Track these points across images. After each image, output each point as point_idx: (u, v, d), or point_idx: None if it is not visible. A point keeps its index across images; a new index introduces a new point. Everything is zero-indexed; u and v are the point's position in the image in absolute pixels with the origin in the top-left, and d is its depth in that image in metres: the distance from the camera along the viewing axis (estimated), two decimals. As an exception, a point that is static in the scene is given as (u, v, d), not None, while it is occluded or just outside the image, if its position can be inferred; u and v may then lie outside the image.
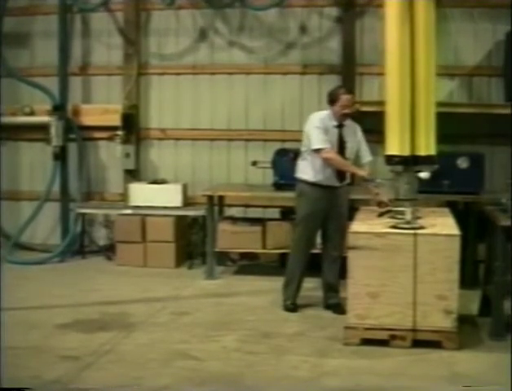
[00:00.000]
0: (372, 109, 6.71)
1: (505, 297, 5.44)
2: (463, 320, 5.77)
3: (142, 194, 8.13)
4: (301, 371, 4.80)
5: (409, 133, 5.48)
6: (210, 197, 7.52)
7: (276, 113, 8.28)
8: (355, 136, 6.25)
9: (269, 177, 7.68)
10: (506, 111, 7.04)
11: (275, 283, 6.62)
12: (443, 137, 7.59)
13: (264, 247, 7.58)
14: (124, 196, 8.44)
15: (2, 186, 8.64)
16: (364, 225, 5.58)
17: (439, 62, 7.72)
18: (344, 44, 8.05)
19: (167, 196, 8.07)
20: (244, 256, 8.24)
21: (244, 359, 5.02)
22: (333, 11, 8.12)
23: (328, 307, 6.26)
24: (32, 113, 8.56)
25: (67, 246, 8.38)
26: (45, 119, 8.39)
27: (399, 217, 5.54)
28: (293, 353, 5.16)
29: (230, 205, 8.23)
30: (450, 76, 7.78)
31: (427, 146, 5.52)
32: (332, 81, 8.02)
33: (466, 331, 5.53)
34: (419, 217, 5.57)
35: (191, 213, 8.19)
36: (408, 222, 5.43)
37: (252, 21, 8.27)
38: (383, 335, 5.23)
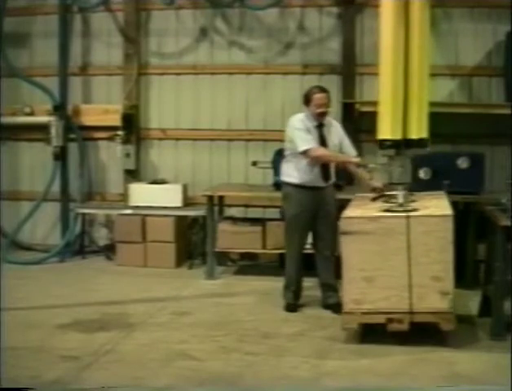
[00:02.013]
0: (372, 109, 6.70)
1: (505, 297, 5.43)
2: (463, 320, 5.79)
3: (142, 194, 8.13)
4: (301, 372, 4.80)
5: (401, 116, 5.50)
6: (210, 197, 7.52)
7: (276, 113, 8.27)
8: (337, 134, 6.29)
9: (269, 177, 7.68)
10: (506, 111, 7.04)
11: (275, 283, 6.62)
12: (443, 137, 7.62)
13: (264, 247, 7.58)
14: (124, 196, 8.44)
15: (2, 186, 8.64)
16: (357, 210, 5.59)
17: (440, 62, 7.77)
18: (344, 44, 8.05)
19: (167, 196, 8.07)
20: (244, 256, 8.24)
21: (244, 359, 5.02)
22: (333, 11, 8.11)
23: (326, 307, 6.26)
24: (32, 113, 8.56)
25: (65, 246, 8.38)
26: (45, 119, 8.39)
27: (393, 200, 5.56)
28: (293, 354, 5.16)
29: (230, 205, 8.22)
30: (450, 76, 7.78)
31: (419, 129, 5.54)
32: (332, 81, 8.03)
33: (466, 331, 5.53)
34: (413, 201, 5.57)
35: (191, 213, 8.19)
36: (400, 205, 5.43)
37: (252, 21, 8.27)
38: (380, 318, 5.21)
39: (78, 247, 8.54)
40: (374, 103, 6.90)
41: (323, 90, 6.21)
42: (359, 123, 7.81)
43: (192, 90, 8.48)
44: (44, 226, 8.80)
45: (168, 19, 8.45)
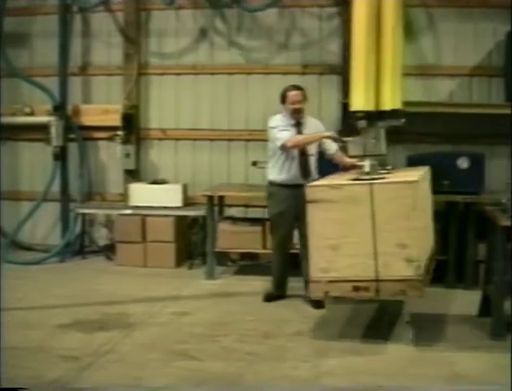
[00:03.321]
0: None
1: (505, 297, 5.43)
2: (463, 320, 5.79)
3: (142, 194, 8.12)
4: (300, 371, 4.80)
5: (374, 87, 5.49)
6: (210, 197, 7.52)
7: (276, 113, 8.23)
8: (315, 130, 6.39)
9: (269, 177, 7.68)
10: (506, 111, 7.04)
11: (275, 283, 6.63)
12: (443, 137, 7.61)
13: (264, 247, 7.57)
14: (124, 196, 8.44)
15: (2, 186, 8.64)
16: (324, 180, 5.64)
17: (439, 62, 7.77)
18: (344, 44, 8.03)
19: (167, 196, 8.07)
20: (244, 256, 8.24)
21: (244, 359, 5.02)
22: (333, 11, 8.11)
23: (307, 301, 6.35)
24: (32, 113, 8.55)
25: (65, 246, 8.38)
26: (45, 119, 8.39)
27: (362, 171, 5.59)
28: (293, 353, 5.16)
29: (230, 205, 8.22)
30: (450, 76, 7.78)
31: (393, 100, 5.53)
32: (332, 81, 8.04)
33: (466, 331, 5.54)
34: (389, 172, 5.55)
35: (191, 213, 8.18)
36: (367, 174, 5.44)
37: (252, 21, 8.25)
38: (346, 287, 5.14)
39: (78, 247, 8.53)
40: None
41: (297, 87, 6.43)
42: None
43: (191, 90, 8.47)
44: (44, 226, 8.80)
45: (168, 19, 8.44)
